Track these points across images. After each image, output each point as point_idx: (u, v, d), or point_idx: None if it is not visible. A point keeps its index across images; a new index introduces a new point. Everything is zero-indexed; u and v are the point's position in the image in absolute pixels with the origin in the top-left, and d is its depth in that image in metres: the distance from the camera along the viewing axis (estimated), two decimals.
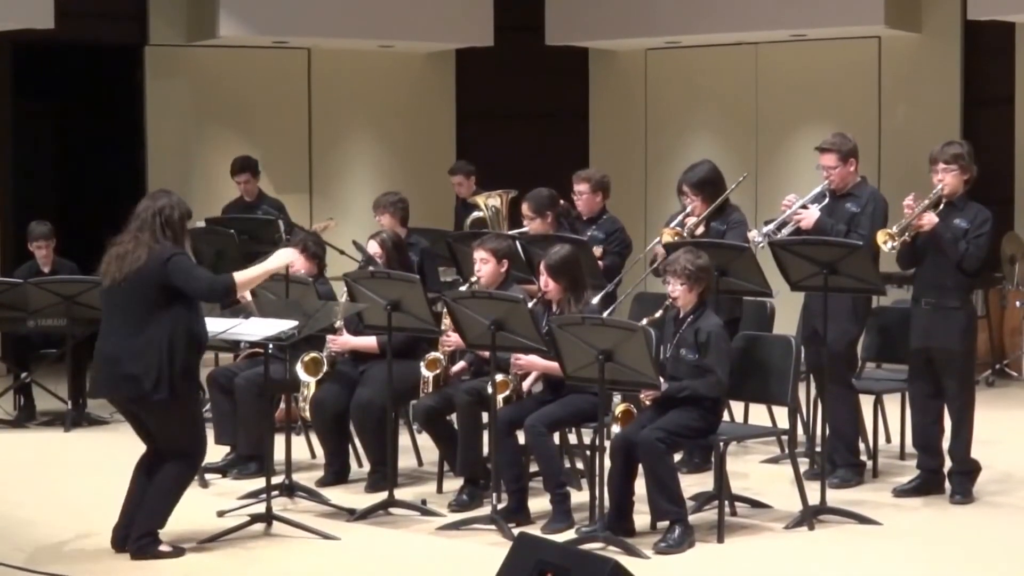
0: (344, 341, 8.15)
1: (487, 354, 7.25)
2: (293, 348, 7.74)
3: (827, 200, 7.97)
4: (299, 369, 8.08)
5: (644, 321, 7.00)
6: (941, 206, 7.58)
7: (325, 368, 8.11)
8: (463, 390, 7.60)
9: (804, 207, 7.93)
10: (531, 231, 8.76)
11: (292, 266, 8.44)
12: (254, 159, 11.71)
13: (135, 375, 6.52)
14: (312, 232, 9.02)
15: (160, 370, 6.50)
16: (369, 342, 8.07)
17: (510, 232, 8.93)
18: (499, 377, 7.29)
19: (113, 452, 7.00)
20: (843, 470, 7.96)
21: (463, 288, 7.84)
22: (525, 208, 8.84)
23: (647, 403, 7.00)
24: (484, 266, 7.70)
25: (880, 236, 7.45)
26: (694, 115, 13.56)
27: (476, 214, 10.56)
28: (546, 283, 7.29)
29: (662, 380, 6.81)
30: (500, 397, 7.33)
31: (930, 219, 7.50)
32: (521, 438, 7.28)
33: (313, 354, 8.12)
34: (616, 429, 7.01)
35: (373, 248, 8.35)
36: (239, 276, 6.79)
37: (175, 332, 6.55)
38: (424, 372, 7.79)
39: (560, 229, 8.75)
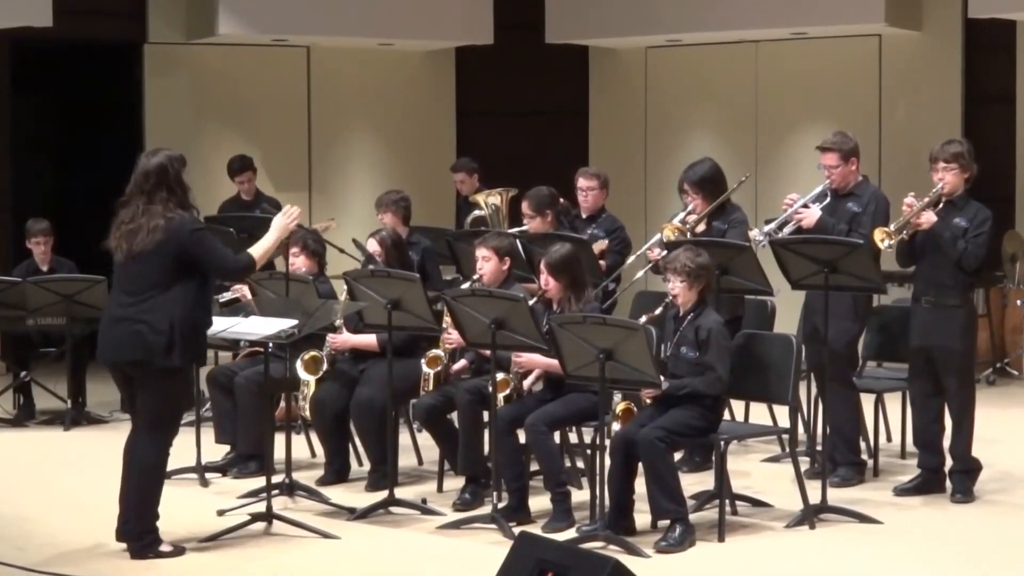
0: (344, 339, 8.14)
1: (488, 352, 7.24)
2: (293, 347, 7.72)
3: (828, 199, 7.96)
4: (299, 367, 8.07)
5: (644, 319, 6.99)
6: (941, 205, 7.57)
7: (325, 366, 8.10)
8: (464, 389, 7.58)
9: (805, 206, 7.91)
10: (531, 230, 8.75)
11: (292, 266, 8.46)
12: (250, 157, 11.70)
13: (147, 340, 6.50)
14: (312, 230, 9.01)
15: (172, 338, 6.50)
16: (369, 340, 8.05)
17: (510, 231, 8.92)
18: (499, 376, 7.28)
19: (112, 451, 6.97)
20: (844, 469, 7.95)
21: (465, 286, 7.83)
22: (525, 207, 8.83)
23: (647, 401, 6.98)
24: (486, 264, 7.68)
25: (877, 234, 7.44)
26: (694, 113, 13.54)
27: (476, 212, 10.55)
28: (546, 281, 7.28)
29: (662, 378, 6.80)
30: (500, 396, 7.31)
31: (928, 218, 7.49)
32: (521, 437, 7.27)
33: (313, 352, 8.10)
34: (616, 427, 7.00)
35: (372, 246, 8.34)
36: (255, 251, 6.83)
37: (187, 301, 6.55)
38: (425, 369, 7.78)
39: (560, 228, 8.74)
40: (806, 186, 8.25)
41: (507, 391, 7.37)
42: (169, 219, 6.54)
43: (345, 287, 7.83)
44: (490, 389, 7.23)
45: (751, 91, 13.24)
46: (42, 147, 14.39)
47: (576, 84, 14.07)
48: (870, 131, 12.45)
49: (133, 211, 6.62)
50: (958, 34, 12.47)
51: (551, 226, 8.73)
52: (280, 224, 6.97)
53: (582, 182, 9.03)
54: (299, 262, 8.51)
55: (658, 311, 7.10)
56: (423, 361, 7.80)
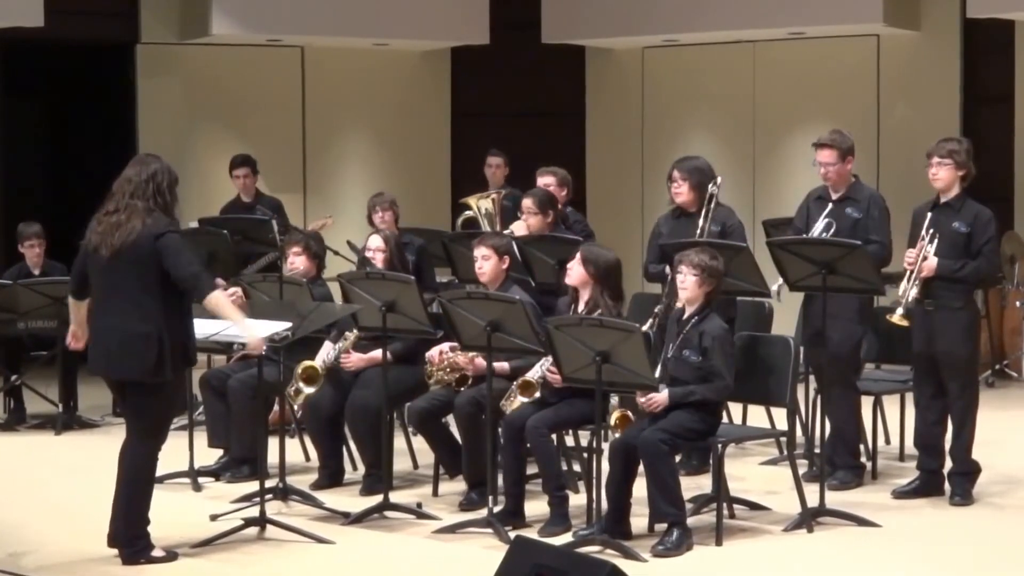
0: (357, 359, 8.03)
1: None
2: (287, 350, 7.64)
3: (830, 207, 7.90)
4: (301, 384, 7.91)
5: (648, 323, 6.93)
6: (935, 244, 7.50)
7: (322, 377, 7.98)
8: (466, 398, 7.50)
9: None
10: (530, 227, 8.69)
11: (292, 266, 8.40)
12: (254, 158, 11.63)
13: (137, 355, 6.45)
14: (315, 234, 8.96)
15: (161, 352, 6.45)
16: (379, 355, 7.92)
17: (505, 232, 8.88)
18: (527, 377, 7.16)
19: (104, 455, 6.93)
20: (842, 472, 7.91)
21: (467, 289, 7.76)
22: (528, 203, 8.76)
23: (650, 411, 6.89)
24: (486, 263, 7.62)
25: (896, 319, 7.44)
26: (691, 114, 13.50)
27: (467, 213, 10.49)
28: (572, 269, 7.18)
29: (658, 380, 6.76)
30: (524, 399, 7.19)
31: (929, 266, 7.50)
32: None
33: (308, 363, 7.95)
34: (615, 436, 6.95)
35: (377, 243, 8.26)
36: (214, 297, 6.52)
37: (173, 311, 6.49)
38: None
39: (557, 230, 8.69)
40: (802, 186, 8.18)
41: (536, 395, 7.20)
42: (146, 224, 6.46)
43: (340, 290, 7.75)
44: (486, 391, 7.16)
45: (748, 91, 13.20)
46: (33, 148, 14.32)
47: (573, 84, 14.02)
48: (868, 131, 12.41)
49: (117, 202, 6.54)
50: (957, 34, 12.43)
51: (549, 227, 8.68)
52: (247, 329, 6.70)
53: (539, 180, 9.03)
54: (299, 262, 8.46)
55: (657, 309, 7.04)
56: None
